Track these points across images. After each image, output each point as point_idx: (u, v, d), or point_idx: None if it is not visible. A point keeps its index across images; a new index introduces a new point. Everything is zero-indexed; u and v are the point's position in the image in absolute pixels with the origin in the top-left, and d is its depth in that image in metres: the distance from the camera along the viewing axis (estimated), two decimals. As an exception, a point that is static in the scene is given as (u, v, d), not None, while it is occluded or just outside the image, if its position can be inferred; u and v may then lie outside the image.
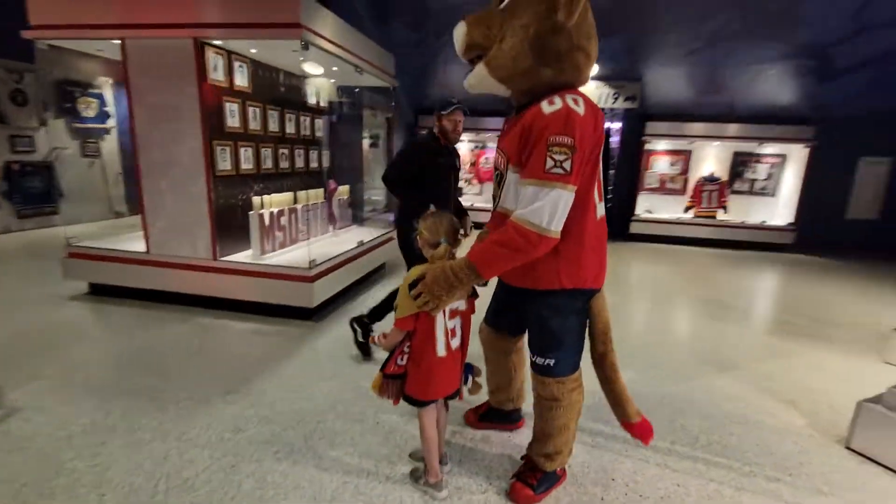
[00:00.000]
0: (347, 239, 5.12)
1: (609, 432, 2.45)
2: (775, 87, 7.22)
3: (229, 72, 3.90)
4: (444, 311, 1.77)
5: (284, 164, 4.87)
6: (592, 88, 7.77)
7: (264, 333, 3.62)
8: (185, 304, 3.97)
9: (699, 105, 7.87)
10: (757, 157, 8.32)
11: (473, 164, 9.85)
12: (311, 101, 5.30)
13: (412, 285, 1.71)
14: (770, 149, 8.17)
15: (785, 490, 2.10)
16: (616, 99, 7.66)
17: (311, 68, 4.52)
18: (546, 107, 1.58)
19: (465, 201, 9.82)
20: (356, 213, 6.27)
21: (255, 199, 3.97)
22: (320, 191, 5.10)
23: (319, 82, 5.42)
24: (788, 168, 8.16)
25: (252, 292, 3.83)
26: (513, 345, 2.26)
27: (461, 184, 10.00)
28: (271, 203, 4.13)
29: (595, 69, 7.29)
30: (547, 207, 1.55)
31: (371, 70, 4.75)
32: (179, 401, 2.58)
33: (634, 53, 7.11)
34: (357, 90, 6.09)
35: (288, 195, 4.43)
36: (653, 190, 8.87)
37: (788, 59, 6.62)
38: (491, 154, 9.63)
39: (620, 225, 8.55)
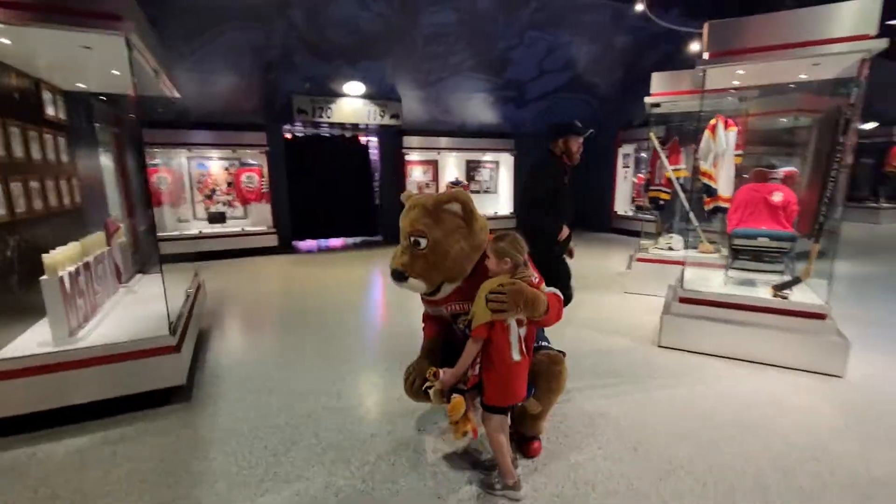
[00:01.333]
0: (152, 294, 3.97)
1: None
2: (491, 110, 9.47)
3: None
4: (514, 320, 1.94)
5: (38, 204, 3.37)
6: (360, 106, 8.23)
7: (124, 441, 2.57)
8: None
9: (441, 122, 9.47)
10: (482, 164, 10.64)
11: (231, 185, 8.75)
12: (50, 111, 3.78)
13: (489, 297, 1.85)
14: (488, 157, 10.59)
15: (660, 381, 3.21)
16: (382, 116, 8.37)
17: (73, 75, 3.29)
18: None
19: (232, 226, 8.75)
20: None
21: (47, 258, 2.70)
22: (97, 237, 3.76)
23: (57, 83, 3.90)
24: (502, 171, 10.79)
25: (72, 393, 2.63)
26: None
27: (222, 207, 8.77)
28: (64, 260, 2.87)
29: (362, 88, 7.73)
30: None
31: (162, 76, 3.82)
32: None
33: (396, 77, 7.94)
34: (103, 97, 4.64)
35: (75, 246, 3.14)
36: (413, 196, 10.08)
37: (500, 90, 8.84)
38: (249, 172, 8.76)
39: (395, 228, 9.40)
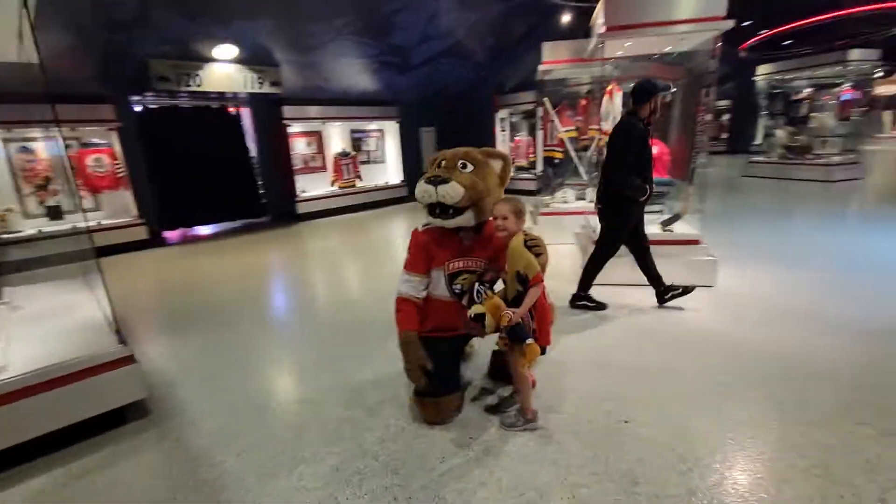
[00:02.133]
0: (45, 308, 3.30)
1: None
2: (373, 76, 9.24)
3: None
4: (539, 268, 2.20)
5: None
6: (235, 73, 7.33)
7: (96, 470, 2.23)
8: None
9: (322, 90, 8.95)
10: (367, 133, 10.43)
11: (75, 169, 7.19)
12: None
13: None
14: (373, 125, 10.41)
15: (598, 311, 3.82)
16: (261, 84, 7.58)
17: None
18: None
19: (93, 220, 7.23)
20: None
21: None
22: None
23: None
24: (388, 139, 10.73)
25: (14, 430, 2.17)
26: None
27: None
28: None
29: (235, 52, 6.99)
30: None
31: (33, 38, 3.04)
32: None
33: (274, 40, 7.20)
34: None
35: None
36: (299, 170, 9.48)
37: (384, 55, 8.65)
38: (97, 154, 7.30)
39: (284, 207, 8.88)
